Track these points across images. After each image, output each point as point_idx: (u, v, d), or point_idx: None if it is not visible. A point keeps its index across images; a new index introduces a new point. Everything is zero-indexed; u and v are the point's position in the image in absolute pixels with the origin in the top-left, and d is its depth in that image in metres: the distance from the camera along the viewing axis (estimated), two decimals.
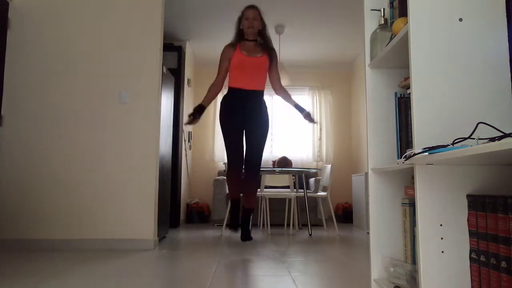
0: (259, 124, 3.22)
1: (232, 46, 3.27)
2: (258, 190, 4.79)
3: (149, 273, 2.38)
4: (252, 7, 3.25)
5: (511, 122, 1.18)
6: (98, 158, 3.47)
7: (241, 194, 3.34)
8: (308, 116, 3.32)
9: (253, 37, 3.26)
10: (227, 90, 3.30)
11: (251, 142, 3.20)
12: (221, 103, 3.27)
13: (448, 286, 1.16)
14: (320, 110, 6.71)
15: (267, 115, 3.29)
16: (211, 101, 3.30)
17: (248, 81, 3.18)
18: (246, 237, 3.23)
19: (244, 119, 3.19)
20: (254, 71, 3.18)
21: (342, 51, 6.19)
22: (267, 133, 3.27)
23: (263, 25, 3.28)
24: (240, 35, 3.28)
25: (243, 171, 3.24)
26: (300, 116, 3.39)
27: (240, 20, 3.28)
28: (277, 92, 3.39)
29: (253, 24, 3.19)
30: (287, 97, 3.38)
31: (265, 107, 3.29)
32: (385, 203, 1.60)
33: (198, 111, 3.21)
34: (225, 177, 3.38)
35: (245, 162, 3.21)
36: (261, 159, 3.22)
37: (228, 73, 3.28)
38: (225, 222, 4.61)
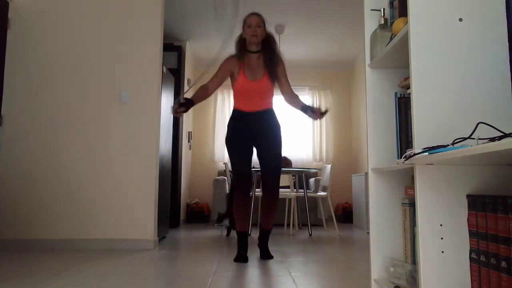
0: (272, 141, 2.96)
1: (236, 60, 2.98)
2: (258, 190, 4.79)
3: (149, 273, 2.38)
4: (254, 13, 2.96)
5: (511, 122, 1.18)
6: (98, 158, 3.47)
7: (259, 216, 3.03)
8: (315, 113, 2.88)
9: (256, 48, 2.96)
10: (232, 110, 3.07)
11: (266, 161, 2.94)
12: (228, 125, 3.03)
13: (448, 286, 1.16)
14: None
15: (279, 130, 3.01)
16: (200, 101, 3.02)
17: (254, 105, 2.95)
18: (266, 257, 2.98)
19: (254, 139, 2.96)
20: (259, 95, 2.95)
21: (342, 51, 6.19)
22: (281, 149, 3.00)
23: (268, 36, 3.00)
24: (241, 46, 2.99)
25: (261, 191, 2.99)
26: (306, 116, 3.00)
27: (242, 29, 2.99)
28: (288, 100, 3.06)
29: (257, 32, 2.89)
30: (297, 102, 3.03)
31: (275, 122, 3.02)
32: (385, 203, 1.60)
33: (188, 104, 2.89)
34: (229, 200, 2.96)
35: (263, 183, 2.96)
36: (279, 177, 2.97)
37: (232, 93, 3.06)
38: (226, 224, 4.61)
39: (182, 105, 2.82)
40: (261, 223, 3.06)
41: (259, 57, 2.97)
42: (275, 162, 2.95)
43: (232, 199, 2.96)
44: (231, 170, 3.00)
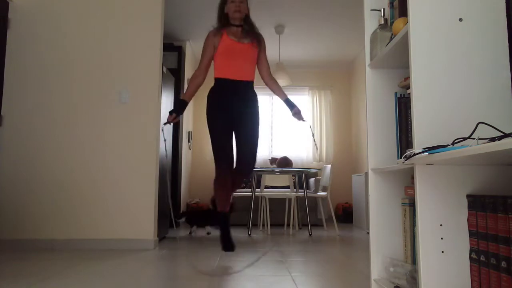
0: (251, 118, 2.88)
1: (217, 31, 2.89)
2: (258, 190, 4.79)
3: (149, 273, 2.38)
4: None
5: (511, 122, 1.18)
6: (98, 158, 3.47)
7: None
8: (297, 114, 2.98)
9: (239, 22, 2.89)
10: (213, 82, 2.94)
11: (244, 140, 2.84)
12: (208, 96, 2.90)
13: (448, 286, 1.16)
14: (320, 110, 6.71)
15: (258, 108, 2.95)
16: (193, 94, 2.93)
17: (237, 70, 2.85)
18: (230, 246, 2.85)
19: (234, 114, 2.85)
20: (243, 58, 2.86)
21: (342, 51, 6.19)
22: (258, 128, 2.91)
23: (249, 14, 2.96)
24: (225, 20, 2.92)
25: (235, 172, 2.87)
26: (289, 112, 3.03)
27: (223, 3, 2.94)
28: (266, 83, 3.04)
29: (240, 8, 2.84)
30: (277, 89, 3.02)
31: (256, 99, 2.95)
32: (385, 203, 1.60)
33: (180, 107, 2.87)
34: (216, 187, 2.83)
35: (237, 162, 2.85)
36: (255, 157, 2.88)
37: (213, 62, 2.93)
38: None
39: (176, 112, 2.82)
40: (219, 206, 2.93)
41: (242, 30, 2.91)
42: (254, 141, 2.86)
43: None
44: (212, 145, 2.87)
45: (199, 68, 2.89)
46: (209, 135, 2.92)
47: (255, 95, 2.95)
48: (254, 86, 2.97)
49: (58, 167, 3.44)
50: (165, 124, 2.90)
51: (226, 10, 2.91)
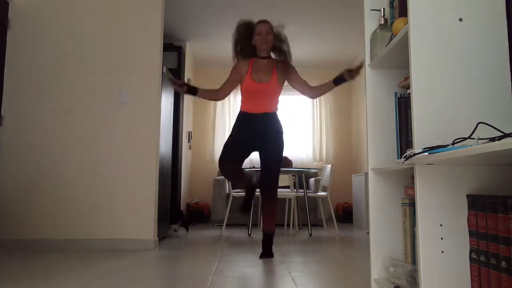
0: (274, 145, 3.00)
1: (245, 63, 3.06)
2: (257, 190, 4.79)
3: (149, 273, 2.38)
4: (264, 21, 3.03)
5: (511, 122, 1.18)
6: (98, 158, 3.47)
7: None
8: (350, 74, 2.89)
9: (266, 54, 3.05)
10: (238, 112, 3.15)
11: (268, 164, 3.00)
12: (233, 125, 3.12)
13: (448, 286, 1.16)
14: (320, 110, 6.71)
15: (282, 135, 3.07)
16: (205, 97, 3.17)
17: (258, 106, 3.02)
18: (267, 255, 3.00)
19: (256, 141, 3.03)
20: (264, 97, 3.02)
21: (342, 51, 6.19)
22: (282, 153, 3.07)
23: (280, 40, 3.08)
24: (252, 51, 3.06)
25: (260, 194, 3.05)
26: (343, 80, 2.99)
27: (240, 34, 3.05)
28: (313, 96, 3.15)
29: (267, 39, 2.98)
30: (323, 87, 3.06)
31: (279, 126, 3.07)
32: (385, 203, 1.60)
33: (191, 90, 3.00)
34: (224, 176, 3.06)
35: (262, 183, 3.01)
36: (278, 181, 3.05)
37: (241, 94, 3.13)
38: (225, 222, 4.61)
39: (185, 84, 2.96)
40: (263, 226, 3.08)
41: (268, 62, 3.07)
42: (275, 167, 3.02)
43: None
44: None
45: (221, 91, 3.13)
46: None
47: (277, 123, 3.08)
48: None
49: (58, 167, 3.44)
50: (175, 84, 2.99)
51: (254, 42, 3.05)
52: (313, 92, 3.10)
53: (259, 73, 3.03)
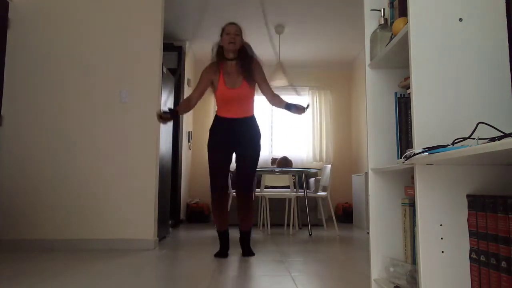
0: (251, 148, 3.04)
1: (214, 68, 3.07)
2: (258, 190, 4.79)
3: (149, 273, 2.38)
4: (233, 23, 3.07)
5: (511, 122, 1.18)
6: (98, 158, 3.47)
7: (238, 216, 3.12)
8: (298, 109, 3.00)
9: (233, 55, 3.04)
10: (214, 117, 3.13)
11: (243, 166, 3.04)
12: (210, 130, 3.10)
13: (448, 286, 1.16)
14: (320, 110, 6.71)
15: (259, 138, 3.10)
16: (184, 112, 3.18)
17: (235, 111, 3.03)
18: (247, 253, 3.07)
19: (233, 144, 3.04)
20: (239, 101, 3.02)
21: (342, 51, 6.19)
22: (258, 156, 3.09)
23: (247, 45, 3.10)
24: (220, 53, 3.08)
25: (235, 192, 3.08)
26: (293, 114, 3.08)
27: (220, 37, 3.09)
28: (270, 101, 3.14)
29: (235, 40, 2.99)
30: (278, 103, 3.11)
31: (256, 129, 3.09)
32: (385, 203, 1.60)
33: (172, 114, 2.95)
34: (211, 202, 3.06)
35: (237, 184, 3.04)
36: (253, 182, 3.07)
37: (215, 99, 3.14)
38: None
39: (166, 113, 2.94)
40: (240, 225, 3.13)
41: (236, 64, 3.06)
42: (250, 168, 3.05)
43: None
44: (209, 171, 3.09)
45: (192, 97, 3.11)
46: (208, 135, 3.08)
47: (255, 127, 3.10)
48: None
49: (58, 167, 3.44)
50: (158, 114, 2.95)
51: (221, 43, 3.07)
52: (273, 99, 3.12)
53: (231, 77, 3.03)
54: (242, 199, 3.04)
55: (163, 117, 2.90)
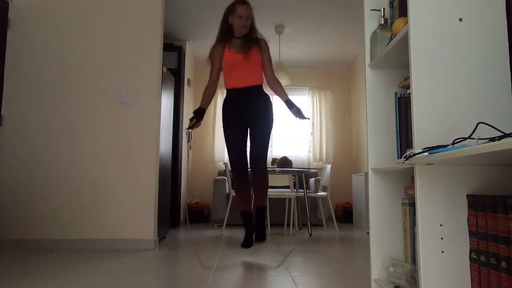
0: (261, 119, 2.96)
1: (221, 44, 3.02)
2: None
3: (149, 273, 2.38)
4: (244, 2, 2.95)
5: (511, 122, 1.18)
6: (98, 158, 3.47)
7: (253, 196, 3.09)
8: (298, 113, 3.02)
9: (242, 36, 3.00)
10: (226, 93, 3.10)
11: (254, 138, 2.95)
12: (222, 108, 3.06)
13: (448, 286, 1.16)
14: (320, 110, 6.71)
15: (270, 108, 3.01)
16: (209, 103, 3.08)
17: (242, 78, 2.95)
18: (260, 237, 2.98)
19: (245, 118, 2.98)
20: (247, 66, 2.95)
21: (342, 51, 6.19)
22: (271, 127, 3.01)
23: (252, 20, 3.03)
24: (227, 32, 3.01)
25: (249, 170, 3.03)
26: (290, 113, 3.07)
27: (227, 13, 3.00)
28: (268, 84, 3.07)
29: (247, 24, 2.94)
30: (279, 90, 3.05)
31: (266, 100, 3.01)
32: (385, 203, 1.60)
33: (199, 114, 2.99)
34: (231, 185, 3.06)
35: (250, 158, 2.97)
36: (265, 153, 2.98)
37: (223, 75, 3.09)
38: (225, 222, 4.61)
39: (193, 119, 2.94)
40: (254, 201, 3.05)
41: (244, 39, 3.00)
42: (263, 139, 2.96)
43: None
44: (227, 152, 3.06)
45: (210, 81, 3.06)
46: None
47: (265, 97, 3.03)
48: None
49: (58, 167, 3.44)
50: (187, 129, 3.06)
51: (231, 22, 2.99)
52: (272, 82, 3.06)
53: (236, 46, 2.98)
54: (258, 171, 2.96)
55: (195, 125, 2.94)
